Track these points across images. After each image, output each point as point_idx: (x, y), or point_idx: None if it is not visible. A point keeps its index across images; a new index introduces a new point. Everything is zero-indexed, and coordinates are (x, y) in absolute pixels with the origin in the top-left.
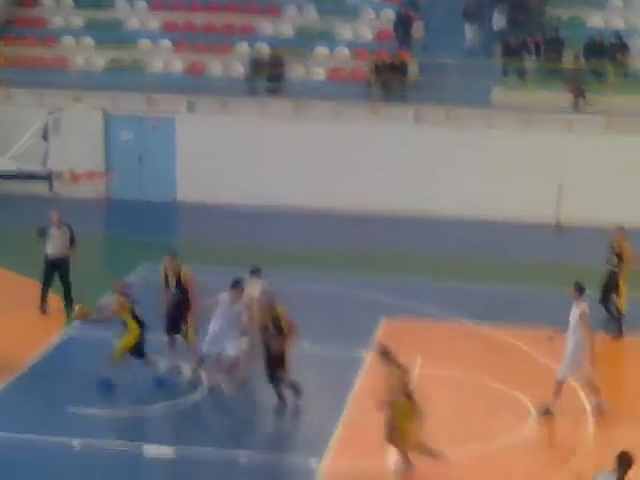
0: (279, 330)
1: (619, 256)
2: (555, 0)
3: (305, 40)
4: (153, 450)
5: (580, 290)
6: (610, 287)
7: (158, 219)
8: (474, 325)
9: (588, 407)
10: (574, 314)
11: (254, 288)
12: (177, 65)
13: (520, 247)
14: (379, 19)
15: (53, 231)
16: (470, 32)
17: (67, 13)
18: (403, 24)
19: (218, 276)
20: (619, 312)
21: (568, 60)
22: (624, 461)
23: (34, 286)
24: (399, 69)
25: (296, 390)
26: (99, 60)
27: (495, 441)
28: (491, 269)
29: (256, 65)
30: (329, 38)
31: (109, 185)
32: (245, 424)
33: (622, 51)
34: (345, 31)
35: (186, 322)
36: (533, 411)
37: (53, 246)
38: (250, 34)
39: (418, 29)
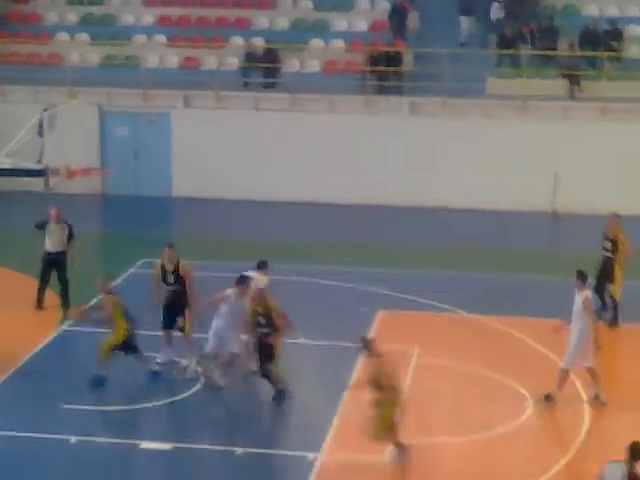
0: (271, 324)
1: (613, 243)
2: None
3: (300, 33)
4: (149, 446)
5: (583, 278)
6: (605, 275)
7: (154, 215)
8: (472, 315)
9: (585, 396)
10: (577, 302)
11: (260, 282)
12: (172, 60)
13: (517, 236)
14: (374, 10)
15: (52, 227)
16: (466, 25)
17: (61, 9)
18: (398, 15)
19: (215, 271)
20: (614, 300)
21: (563, 48)
22: (635, 452)
23: (30, 283)
24: (394, 60)
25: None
26: (94, 56)
27: (492, 430)
28: (488, 258)
29: (251, 59)
30: (324, 30)
31: (105, 181)
32: (242, 419)
33: (616, 39)
34: (340, 23)
35: (183, 315)
36: (530, 400)
37: (51, 242)
38: (245, 28)
39: (413, 19)
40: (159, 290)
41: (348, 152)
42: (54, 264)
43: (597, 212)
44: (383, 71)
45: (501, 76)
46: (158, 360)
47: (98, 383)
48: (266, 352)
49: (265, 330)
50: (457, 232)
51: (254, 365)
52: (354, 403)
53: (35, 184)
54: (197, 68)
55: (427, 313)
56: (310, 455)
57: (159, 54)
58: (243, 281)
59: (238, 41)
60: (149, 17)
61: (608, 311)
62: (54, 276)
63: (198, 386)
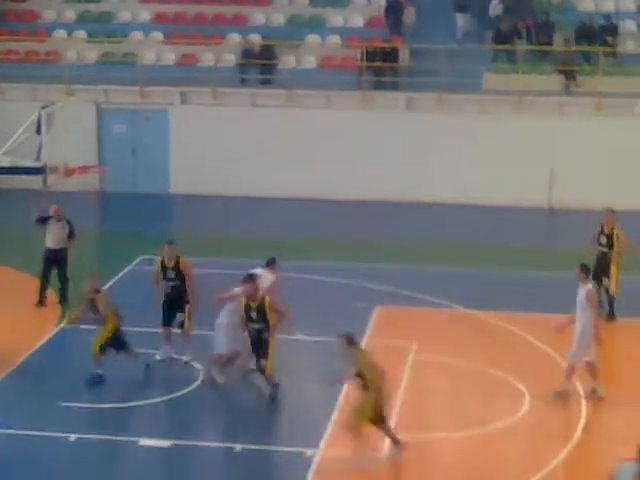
0: (264, 319)
1: (609, 238)
2: None
3: (296, 29)
4: (148, 443)
5: (586, 271)
6: (601, 270)
7: (152, 212)
8: (469, 310)
9: (582, 391)
10: (581, 296)
11: (267, 280)
12: (169, 57)
13: (513, 231)
14: (370, 6)
15: (52, 224)
16: (462, 22)
17: (58, 6)
18: (394, 10)
19: (213, 268)
20: (610, 295)
21: (559, 44)
22: None
23: (28, 281)
24: (390, 55)
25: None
26: (91, 53)
27: (491, 426)
28: (485, 254)
29: (248, 55)
30: (320, 26)
31: (103, 178)
32: (240, 415)
33: (612, 34)
34: (336, 18)
35: (183, 311)
36: (528, 396)
37: (52, 239)
38: (241, 24)
39: (409, 15)
40: (159, 287)
41: (344, 148)
42: (54, 261)
43: (593, 207)
44: (379, 67)
45: (497, 71)
46: (157, 357)
47: (96, 382)
48: (261, 348)
49: (257, 326)
50: (453, 227)
51: (252, 362)
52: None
53: (33, 182)
54: (194, 65)
55: (425, 309)
56: (309, 451)
57: (156, 51)
58: (251, 279)
59: (235, 38)
60: (146, 14)
61: (604, 306)
62: (54, 273)
63: (197, 383)
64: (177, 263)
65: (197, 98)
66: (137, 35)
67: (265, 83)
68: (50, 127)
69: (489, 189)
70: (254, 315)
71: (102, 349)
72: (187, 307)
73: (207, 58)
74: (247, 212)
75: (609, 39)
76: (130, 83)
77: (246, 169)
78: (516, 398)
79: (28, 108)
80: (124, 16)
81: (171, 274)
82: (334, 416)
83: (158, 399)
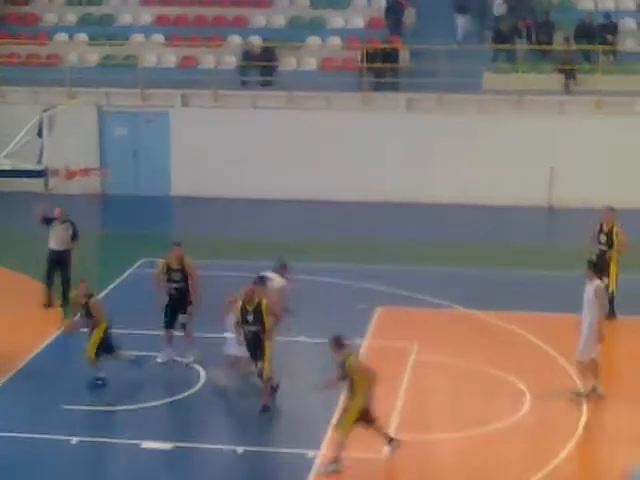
0: (260, 322)
1: (609, 236)
2: None
3: (297, 30)
4: (150, 446)
5: (594, 268)
6: (601, 268)
7: (153, 214)
8: (469, 310)
9: (583, 390)
10: (588, 292)
11: (277, 284)
12: (170, 59)
13: (513, 231)
14: (370, 7)
15: (56, 225)
16: (462, 23)
17: (59, 9)
18: (394, 11)
19: (214, 270)
20: (610, 293)
21: (558, 43)
22: None
23: (30, 283)
24: (390, 56)
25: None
26: (92, 56)
27: (491, 426)
28: (485, 254)
29: (248, 57)
30: (320, 28)
31: (104, 181)
32: (242, 417)
33: (612, 32)
34: (336, 20)
35: (185, 313)
36: (529, 395)
37: (55, 241)
38: (242, 26)
39: (409, 16)
40: (161, 289)
41: (345, 149)
42: (58, 262)
43: (593, 206)
44: (379, 68)
45: (497, 71)
46: (159, 360)
47: (98, 385)
48: (257, 351)
49: (253, 328)
50: (454, 228)
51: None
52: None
53: (35, 185)
54: (195, 67)
55: (425, 309)
56: (310, 453)
57: (157, 53)
58: (261, 281)
59: (235, 40)
60: (147, 17)
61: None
62: (58, 275)
63: (198, 385)
64: (183, 265)
65: (198, 100)
66: (138, 38)
67: (266, 85)
68: (51, 130)
69: (489, 189)
70: (250, 318)
71: (97, 354)
72: (189, 309)
73: (208, 60)
74: (248, 214)
75: (609, 38)
76: (131, 86)
77: (247, 171)
78: (517, 398)
79: (29, 111)
80: (125, 19)
81: (176, 276)
82: (335, 417)
83: (160, 401)
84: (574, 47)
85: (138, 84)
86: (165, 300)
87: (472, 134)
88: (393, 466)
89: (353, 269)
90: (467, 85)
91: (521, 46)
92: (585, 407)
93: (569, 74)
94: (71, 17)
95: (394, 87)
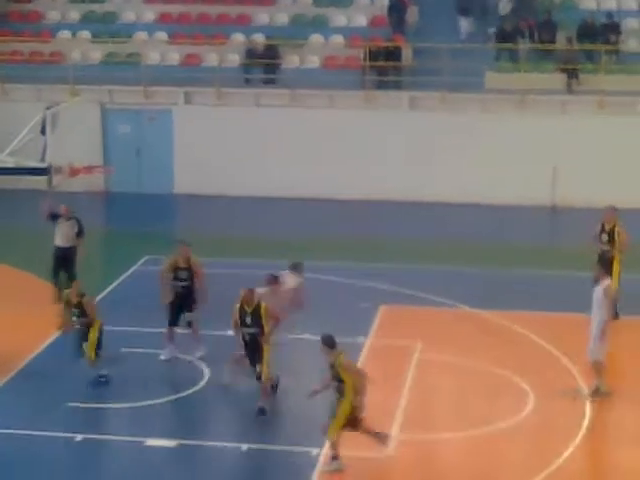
0: (258, 324)
1: (611, 236)
2: None
3: (299, 28)
4: (154, 443)
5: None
6: (604, 268)
7: (157, 212)
8: (473, 310)
9: (587, 389)
10: (598, 292)
11: (291, 283)
12: (173, 57)
13: (516, 230)
14: (373, 5)
15: (61, 222)
16: (465, 25)
17: (62, 7)
18: (397, 10)
19: (217, 268)
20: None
21: (561, 42)
22: None
23: (34, 281)
24: (393, 55)
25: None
26: (95, 54)
27: (495, 426)
28: (488, 253)
29: (251, 55)
30: (323, 26)
31: (107, 179)
32: (246, 415)
33: (614, 32)
34: (339, 18)
35: (191, 311)
36: (532, 395)
37: (61, 237)
38: (245, 24)
39: (412, 14)
40: (167, 287)
41: (348, 147)
42: (63, 259)
43: (596, 205)
44: (382, 66)
45: (500, 70)
46: (162, 357)
47: (102, 382)
48: (255, 354)
49: (251, 331)
50: (456, 227)
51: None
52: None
53: (39, 182)
54: (198, 65)
55: (429, 308)
56: (314, 450)
57: (160, 51)
58: (274, 280)
59: (239, 37)
60: (150, 14)
61: None
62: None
63: (202, 383)
64: (189, 264)
65: (201, 98)
66: (141, 35)
67: (269, 83)
68: (55, 127)
69: (492, 188)
70: (248, 320)
71: (97, 354)
72: (196, 307)
73: (211, 58)
74: (251, 212)
75: (611, 37)
76: (134, 83)
77: (250, 169)
78: (520, 397)
79: (33, 109)
80: (128, 16)
81: (183, 274)
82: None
83: (164, 399)
84: (576, 47)
85: (141, 82)
86: (170, 298)
87: (475, 133)
88: (396, 465)
89: (356, 267)
90: (470, 84)
91: (524, 46)
92: (589, 407)
93: (572, 74)
94: (74, 14)
95: (397, 85)
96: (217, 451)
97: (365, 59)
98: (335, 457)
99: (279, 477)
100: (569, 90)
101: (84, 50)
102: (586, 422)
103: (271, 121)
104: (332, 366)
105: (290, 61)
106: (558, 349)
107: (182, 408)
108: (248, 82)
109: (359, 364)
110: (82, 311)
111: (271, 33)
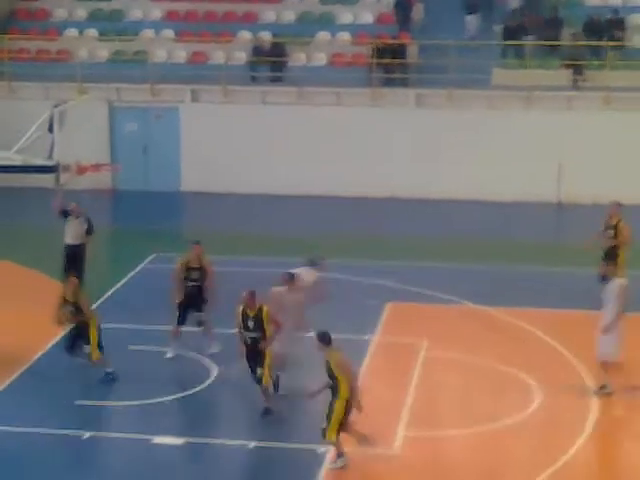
0: (261, 328)
1: (616, 231)
2: None
3: (306, 26)
4: (161, 441)
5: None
6: (610, 262)
7: (164, 210)
8: (479, 306)
9: (592, 386)
10: (611, 289)
11: (309, 277)
12: (180, 55)
13: (522, 227)
14: (379, 3)
15: (71, 220)
16: (472, 23)
17: (69, 5)
18: (403, 7)
19: (224, 265)
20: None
21: (566, 39)
22: None
23: (42, 279)
24: (399, 52)
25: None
26: (102, 51)
27: (501, 422)
28: (494, 250)
29: (258, 53)
30: (330, 23)
31: (115, 177)
32: (252, 413)
33: (619, 28)
34: (345, 16)
35: (201, 310)
36: (538, 391)
37: (71, 235)
38: (252, 22)
39: (418, 11)
40: (180, 287)
41: (355, 144)
42: (74, 257)
43: (601, 201)
44: (389, 63)
45: (506, 67)
46: (168, 355)
47: (109, 380)
48: (256, 358)
49: (253, 335)
50: (463, 223)
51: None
52: (363, 397)
53: (46, 180)
54: (205, 62)
55: (435, 305)
56: (321, 448)
57: (167, 49)
58: (291, 277)
59: (245, 35)
60: (157, 12)
61: None
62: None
63: (209, 380)
64: (201, 263)
65: (208, 96)
66: (148, 33)
67: (275, 80)
68: (62, 125)
69: (498, 184)
70: (251, 324)
71: (100, 350)
72: (207, 306)
73: (218, 56)
74: (258, 209)
75: (617, 33)
76: (141, 81)
77: (256, 167)
78: (526, 394)
79: (40, 107)
80: (135, 14)
81: (195, 274)
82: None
83: (171, 397)
84: (582, 43)
85: (148, 79)
86: (180, 298)
87: (481, 130)
88: (403, 462)
89: (363, 265)
90: (476, 81)
91: (529, 42)
92: (595, 403)
93: (577, 70)
94: (81, 12)
95: (404, 83)
96: (224, 449)
97: (372, 56)
98: (340, 454)
99: (286, 475)
100: (575, 86)
101: (91, 48)
102: (592, 418)
103: (278, 119)
104: (327, 363)
105: (297, 59)
106: (564, 346)
107: (189, 406)
108: (255, 80)
109: (365, 361)
110: (77, 308)
111: (278, 31)
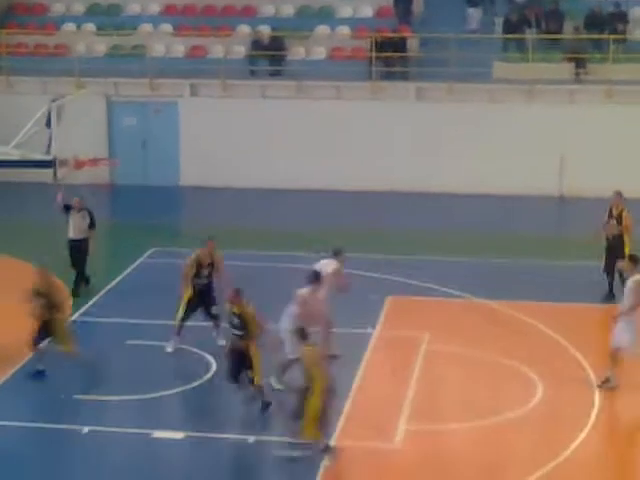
0: (244, 327)
1: (619, 220)
2: None
3: (305, 20)
4: (161, 435)
5: (635, 261)
6: (614, 252)
7: (163, 204)
8: (480, 300)
9: (595, 379)
10: (629, 286)
11: (330, 268)
12: (178, 49)
13: (524, 220)
14: None
15: (73, 215)
16: (474, 16)
17: None
18: (403, 0)
19: (225, 259)
20: (624, 277)
21: (568, 32)
22: None
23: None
24: (399, 45)
25: (263, 400)
26: (100, 46)
27: (502, 416)
28: (496, 243)
29: (257, 46)
30: (329, 17)
31: (113, 171)
32: (253, 407)
33: (621, 21)
34: (345, 9)
35: (215, 304)
36: (540, 385)
37: (73, 230)
38: (251, 15)
39: (418, 4)
40: (188, 284)
41: (355, 138)
42: (78, 251)
43: (603, 195)
44: (389, 57)
45: (507, 60)
46: (168, 349)
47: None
48: (238, 357)
49: (237, 332)
50: (464, 217)
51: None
52: (364, 391)
53: (44, 175)
54: (203, 57)
55: (436, 299)
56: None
57: (165, 43)
58: (316, 276)
59: (244, 29)
60: (155, 6)
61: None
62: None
63: (209, 375)
64: (212, 259)
65: (207, 90)
66: (146, 27)
67: (275, 74)
68: (60, 120)
69: (499, 178)
70: (235, 321)
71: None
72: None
73: (217, 50)
74: (257, 204)
75: (619, 26)
76: (140, 75)
77: (256, 161)
78: (528, 388)
79: (38, 101)
80: (133, 8)
81: (205, 272)
82: (346, 407)
83: (171, 391)
84: (584, 36)
85: (147, 74)
86: (189, 294)
87: (482, 123)
88: (404, 456)
89: (364, 259)
90: (477, 74)
91: (531, 35)
92: (597, 397)
93: (579, 63)
94: (79, 7)
95: (404, 76)
96: (224, 443)
97: (371, 50)
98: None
99: (285, 469)
100: (577, 79)
101: (89, 42)
102: (595, 412)
103: (277, 113)
104: (300, 359)
105: (296, 52)
106: (566, 339)
107: (189, 400)
108: (254, 74)
109: (367, 355)
110: (52, 300)
111: (277, 24)
